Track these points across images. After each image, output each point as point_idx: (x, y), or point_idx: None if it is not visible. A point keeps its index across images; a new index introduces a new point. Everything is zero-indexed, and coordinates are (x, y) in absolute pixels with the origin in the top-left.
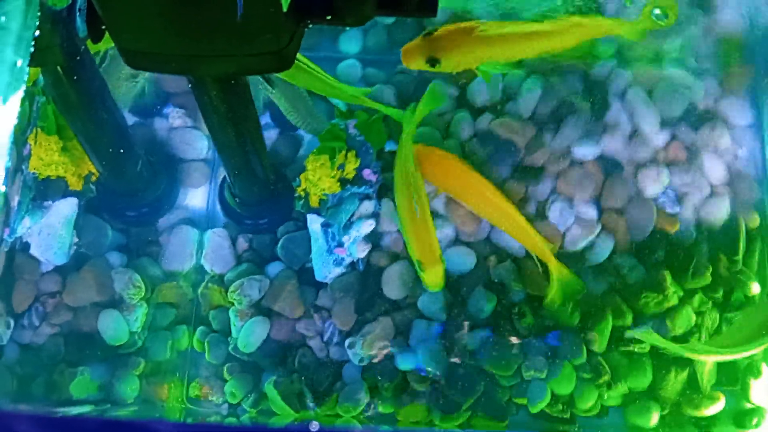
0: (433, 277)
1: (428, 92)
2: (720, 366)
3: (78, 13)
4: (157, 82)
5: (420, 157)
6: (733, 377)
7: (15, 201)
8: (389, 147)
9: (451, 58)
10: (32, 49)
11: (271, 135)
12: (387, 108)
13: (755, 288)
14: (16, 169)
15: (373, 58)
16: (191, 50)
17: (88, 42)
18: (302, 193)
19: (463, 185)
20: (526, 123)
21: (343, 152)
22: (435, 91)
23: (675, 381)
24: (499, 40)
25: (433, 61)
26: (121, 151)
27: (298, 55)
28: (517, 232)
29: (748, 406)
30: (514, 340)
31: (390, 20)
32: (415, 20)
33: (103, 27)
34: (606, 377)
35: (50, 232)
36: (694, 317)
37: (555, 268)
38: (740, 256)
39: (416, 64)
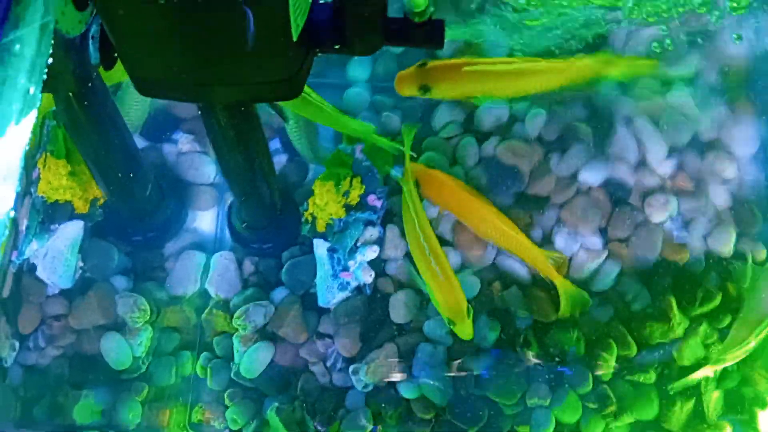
0: (463, 331)
1: (404, 133)
2: (726, 395)
3: (91, 41)
4: (167, 107)
5: (420, 179)
6: (739, 407)
7: (23, 224)
8: (394, 172)
9: (441, 88)
10: (45, 76)
11: (280, 160)
12: (390, 143)
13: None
14: (25, 193)
15: (382, 85)
16: (202, 78)
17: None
18: (309, 218)
19: (463, 206)
20: (531, 148)
21: (348, 178)
22: (409, 130)
23: (681, 412)
24: (486, 76)
25: (424, 89)
26: (131, 175)
27: (306, 88)
28: (518, 249)
29: None
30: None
31: (399, 50)
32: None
33: (116, 55)
34: (612, 407)
35: (56, 255)
36: (701, 350)
37: (560, 283)
38: (747, 285)
39: (409, 90)
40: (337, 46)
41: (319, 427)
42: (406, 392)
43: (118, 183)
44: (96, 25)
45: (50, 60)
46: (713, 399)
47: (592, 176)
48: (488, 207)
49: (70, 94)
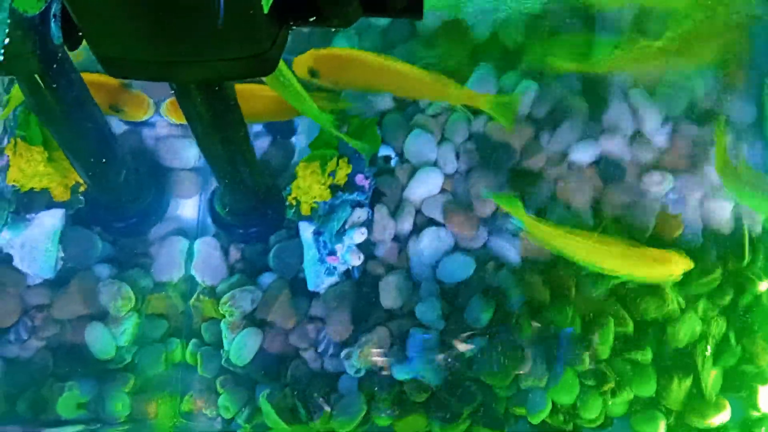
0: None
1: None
2: (726, 374)
3: (53, 20)
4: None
5: (318, 65)
6: (739, 385)
7: None
8: (383, 152)
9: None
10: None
11: (263, 143)
12: (349, 139)
13: (763, 286)
14: None
15: None
16: (171, 56)
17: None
18: (293, 202)
19: (363, 71)
20: (522, 124)
21: (335, 159)
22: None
23: (679, 389)
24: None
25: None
26: (105, 159)
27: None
28: (430, 91)
29: (756, 414)
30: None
31: (384, 22)
32: (408, 23)
33: (80, 34)
34: (610, 384)
35: (34, 245)
36: (699, 325)
37: (483, 103)
38: (746, 259)
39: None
40: (312, 18)
41: (311, 414)
42: (400, 374)
43: (93, 168)
44: (57, 3)
45: (7, 40)
46: (711, 377)
47: (584, 151)
48: (386, 59)
49: (36, 76)
